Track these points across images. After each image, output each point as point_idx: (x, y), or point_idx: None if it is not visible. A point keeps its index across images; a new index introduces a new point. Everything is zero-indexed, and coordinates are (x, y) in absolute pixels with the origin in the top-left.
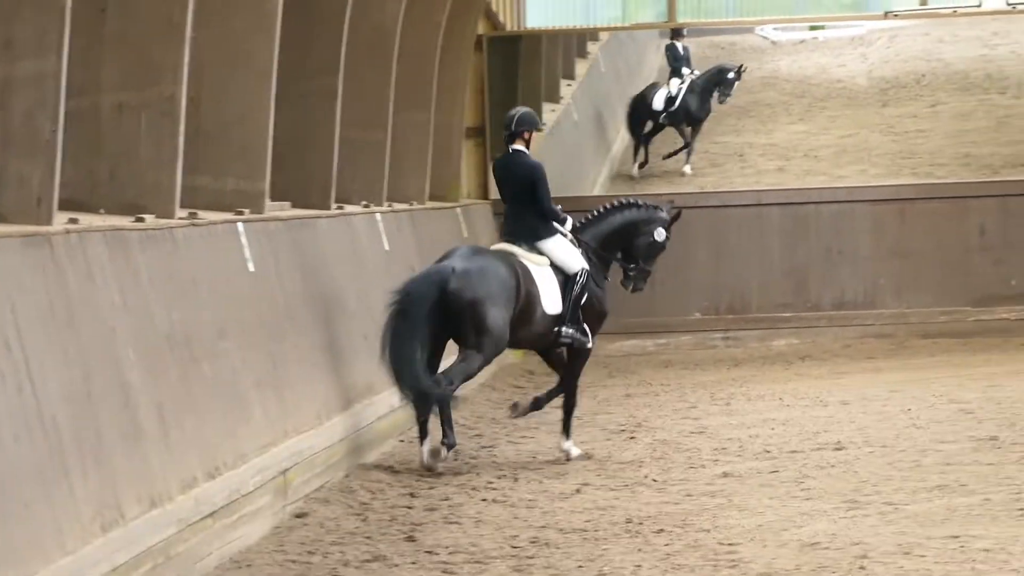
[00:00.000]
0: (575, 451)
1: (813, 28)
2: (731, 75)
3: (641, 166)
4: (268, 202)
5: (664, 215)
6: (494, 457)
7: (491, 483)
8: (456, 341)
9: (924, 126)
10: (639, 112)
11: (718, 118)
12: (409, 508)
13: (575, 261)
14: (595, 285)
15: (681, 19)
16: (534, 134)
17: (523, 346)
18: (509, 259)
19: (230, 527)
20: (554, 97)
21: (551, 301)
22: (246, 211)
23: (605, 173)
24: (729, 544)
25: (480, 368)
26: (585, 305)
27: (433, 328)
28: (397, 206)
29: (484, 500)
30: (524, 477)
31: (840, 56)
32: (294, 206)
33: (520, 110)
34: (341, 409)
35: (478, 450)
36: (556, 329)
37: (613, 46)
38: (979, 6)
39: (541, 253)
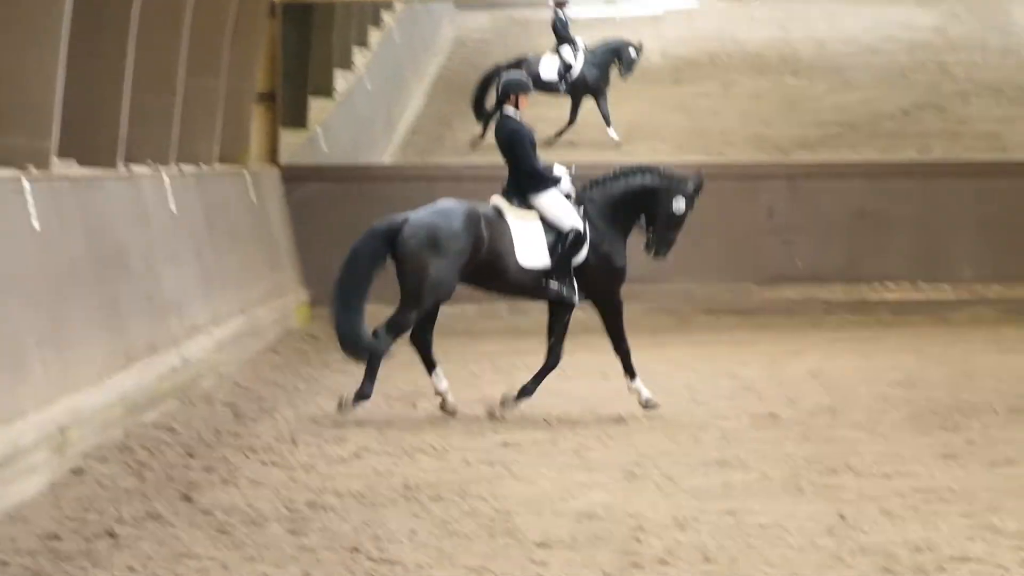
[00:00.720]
0: (644, 391)
1: (608, 3)
2: (633, 52)
3: (481, 138)
4: (55, 160)
5: (687, 187)
6: (274, 420)
7: (270, 445)
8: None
9: (717, 105)
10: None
11: None
12: (186, 468)
13: (567, 219)
14: (602, 245)
15: None
16: (523, 98)
17: (509, 294)
18: (477, 213)
19: (6, 482)
20: (347, 64)
21: (531, 255)
22: (31, 168)
23: (397, 142)
24: (506, 512)
25: (412, 319)
26: (589, 264)
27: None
28: (185, 169)
29: (262, 462)
30: (303, 440)
31: (636, 35)
32: (81, 165)
33: (509, 74)
34: (122, 368)
35: (258, 413)
36: (544, 282)
37: (408, 16)
38: None
39: (531, 208)
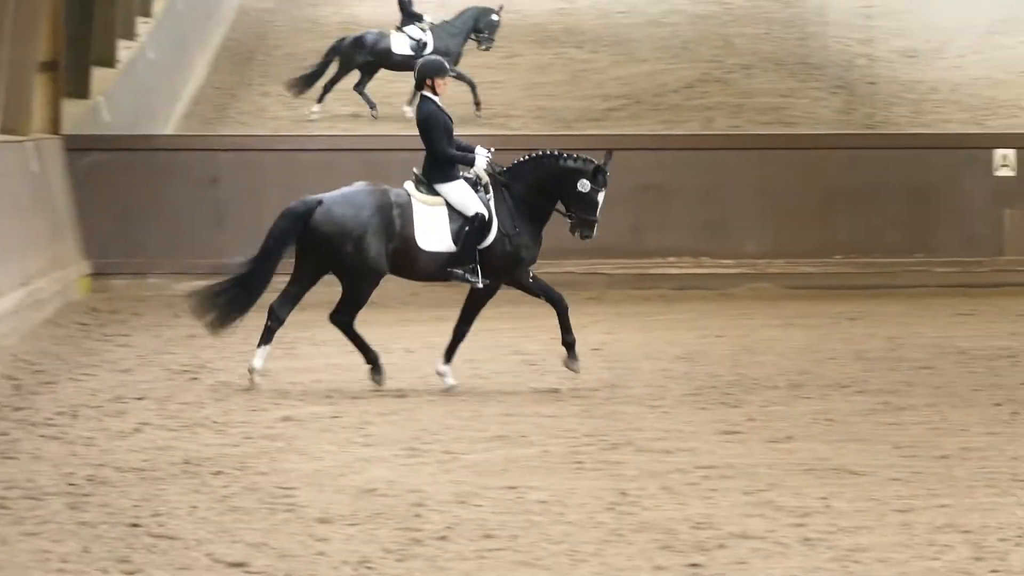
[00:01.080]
0: (451, 380)
1: None
2: (495, 17)
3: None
4: None
5: (586, 167)
6: (55, 393)
7: (50, 419)
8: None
9: (499, 77)
10: (352, 58)
11: (292, 61)
12: None
13: (471, 205)
14: (506, 228)
15: None
16: (439, 81)
17: (419, 279)
18: (387, 198)
19: None
20: (129, 34)
21: (435, 240)
22: None
23: (180, 112)
24: (286, 488)
25: (361, 298)
26: (492, 247)
27: (304, 260)
28: None
29: (42, 436)
30: (83, 415)
31: (417, 3)
32: None
33: (427, 59)
34: None
35: (39, 386)
36: (449, 268)
37: None
38: None
39: (438, 195)
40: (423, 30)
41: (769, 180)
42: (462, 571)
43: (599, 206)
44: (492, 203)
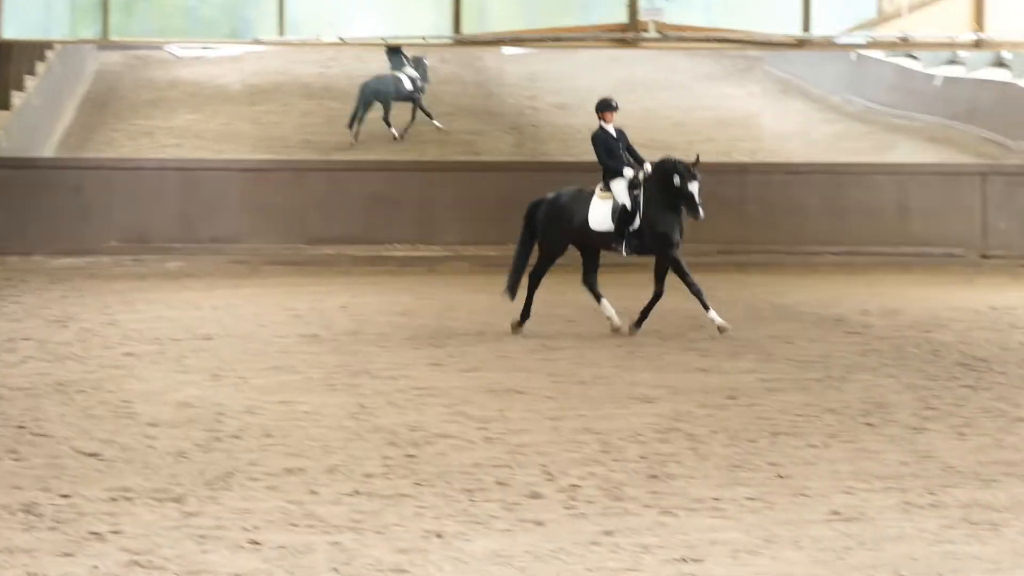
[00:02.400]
0: (718, 320)
1: (205, 48)
2: (427, 62)
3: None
4: None
5: (676, 166)
6: None
7: None
8: None
9: (279, 119)
10: (376, 95)
11: (135, 107)
12: None
13: (620, 197)
14: (648, 214)
15: (114, 36)
16: (608, 114)
17: (589, 248)
18: (580, 195)
19: None
20: (20, 87)
21: (598, 221)
22: None
23: (55, 141)
24: (128, 402)
25: (543, 267)
26: (640, 230)
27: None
28: None
29: None
30: None
31: (223, 68)
32: None
33: (601, 98)
34: None
35: None
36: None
37: (63, 53)
38: (318, 38)
39: (610, 191)
40: (412, 73)
41: (464, 192)
42: (249, 459)
43: (694, 194)
44: (641, 199)
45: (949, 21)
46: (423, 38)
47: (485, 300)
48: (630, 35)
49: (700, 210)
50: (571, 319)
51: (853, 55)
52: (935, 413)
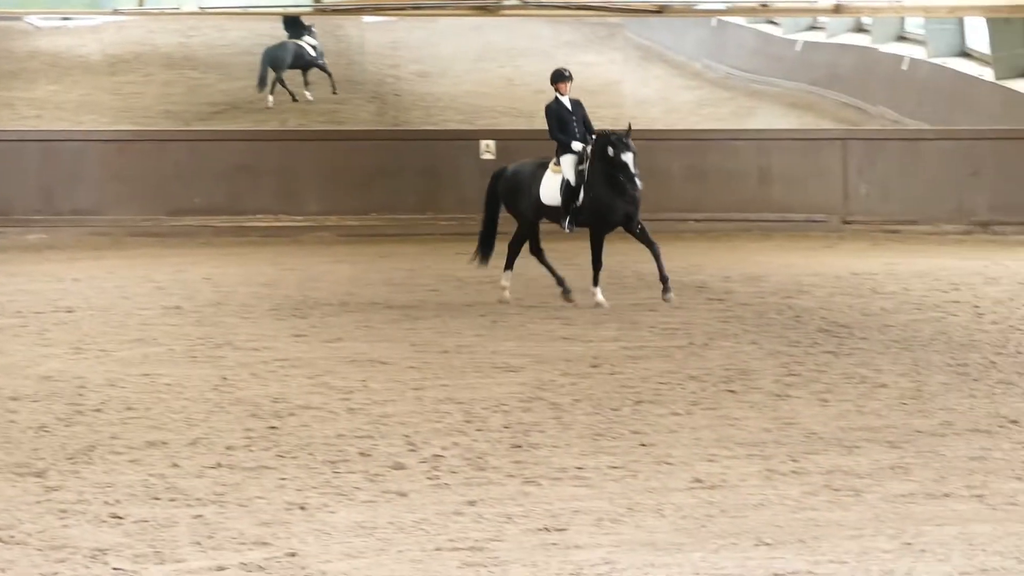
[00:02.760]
0: (599, 298)
1: (64, 18)
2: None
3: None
4: None
5: (609, 136)
6: None
7: None
8: None
9: (139, 90)
10: (283, 59)
11: None
12: None
13: (566, 172)
14: (590, 189)
15: None
16: (562, 84)
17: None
18: (536, 167)
19: None
20: None
21: (548, 196)
22: None
23: None
24: None
25: (519, 237)
26: (583, 205)
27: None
28: None
29: None
30: None
31: (83, 38)
32: None
33: (557, 68)
34: None
35: None
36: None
37: None
38: (177, 8)
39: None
40: (314, 39)
41: (326, 161)
42: (111, 433)
43: (628, 164)
44: (586, 174)
45: None
46: (284, 7)
47: (348, 270)
48: (491, 2)
49: (637, 181)
50: (434, 288)
51: (713, 21)
52: (797, 380)
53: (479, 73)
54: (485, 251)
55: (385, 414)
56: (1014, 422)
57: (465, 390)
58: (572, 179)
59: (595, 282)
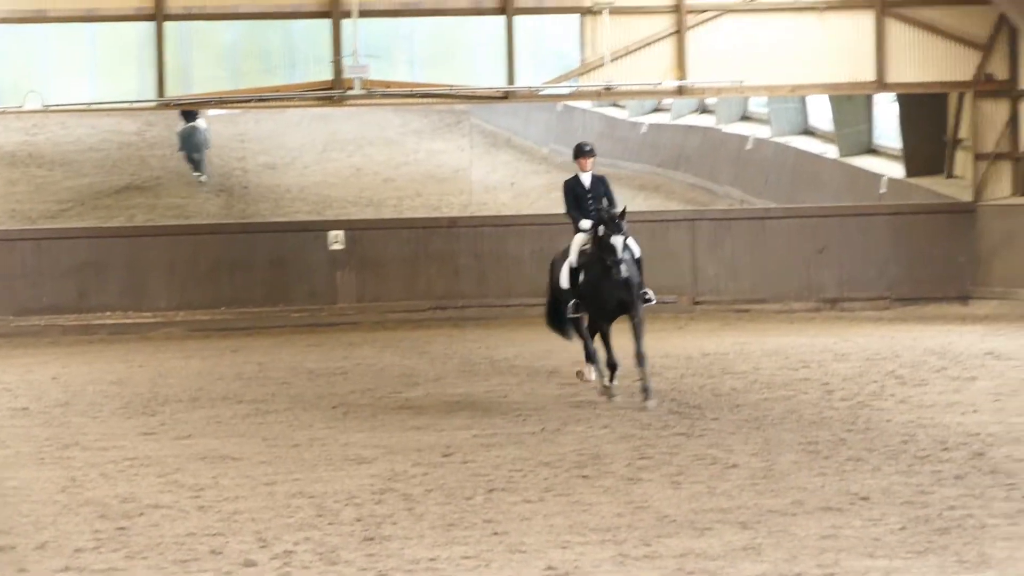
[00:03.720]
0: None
1: None
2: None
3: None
4: None
5: (603, 215)
6: None
7: None
8: None
9: None
10: (203, 141)
11: None
12: None
13: (571, 253)
14: (587, 272)
15: None
16: (583, 160)
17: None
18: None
19: None
20: None
21: (564, 279)
22: None
23: None
24: None
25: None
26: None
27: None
28: None
29: None
30: None
31: None
32: None
33: (580, 142)
34: None
35: None
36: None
37: None
38: (20, 107)
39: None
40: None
41: (174, 256)
42: None
43: (616, 248)
44: (590, 259)
45: (652, 69)
46: (129, 103)
47: (198, 365)
48: (336, 93)
49: (622, 267)
50: (285, 381)
51: (559, 106)
52: (649, 462)
53: (327, 163)
54: (562, 327)
55: (236, 510)
56: (864, 499)
57: (317, 483)
58: (574, 260)
59: (611, 379)
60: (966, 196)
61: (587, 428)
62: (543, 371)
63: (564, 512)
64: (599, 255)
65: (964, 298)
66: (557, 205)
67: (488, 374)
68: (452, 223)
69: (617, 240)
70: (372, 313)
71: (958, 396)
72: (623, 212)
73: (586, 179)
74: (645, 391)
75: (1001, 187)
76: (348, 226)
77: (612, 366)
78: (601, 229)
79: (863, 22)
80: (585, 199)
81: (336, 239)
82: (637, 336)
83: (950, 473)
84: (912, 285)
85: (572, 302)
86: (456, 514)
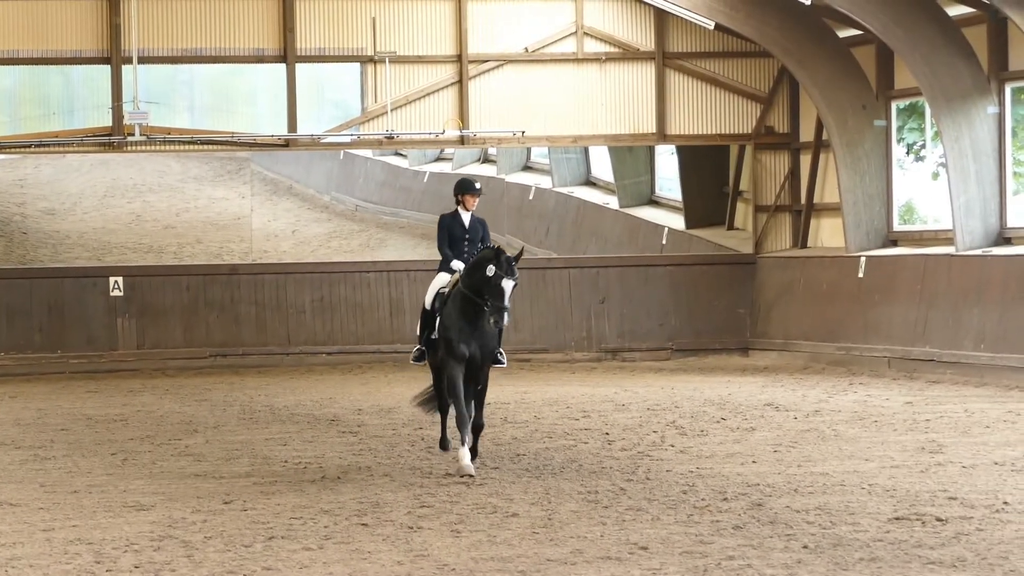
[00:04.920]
0: (465, 462)
1: None
2: None
3: None
4: None
5: (500, 255)
6: None
7: None
8: None
9: None
10: None
11: None
12: None
13: (428, 296)
14: (445, 320)
15: None
16: (467, 197)
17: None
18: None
19: None
20: None
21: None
22: None
23: None
24: None
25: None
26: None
27: None
28: None
29: None
30: None
31: None
32: None
33: (467, 179)
34: None
35: None
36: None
37: None
38: None
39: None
40: None
41: None
42: None
43: (505, 292)
44: (450, 303)
45: (434, 119)
46: None
47: None
48: (116, 139)
49: (505, 315)
50: (64, 427)
51: (341, 154)
52: (430, 511)
53: (107, 209)
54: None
55: (14, 556)
56: (644, 548)
57: (95, 530)
58: (428, 302)
59: (462, 441)
60: (747, 248)
61: (368, 476)
62: (324, 419)
63: (344, 560)
64: (472, 299)
65: (744, 349)
66: (337, 253)
67: (268, 421)
68: (233, 270)
69: (508, 285)
70: (152, 360)
71: (738, 447)
72: (520, 254)
73: (466, 218)
74: (472, 451)
75: (781, 239)
76: (127, 272)
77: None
78: (491, 269)
79: (644, 73)
80: (462, 239)
81: (116, 285)
82: (480, 403)
83: (729, 523)
84: (693, 336)
85: (416, 348)
86: (235, 561)
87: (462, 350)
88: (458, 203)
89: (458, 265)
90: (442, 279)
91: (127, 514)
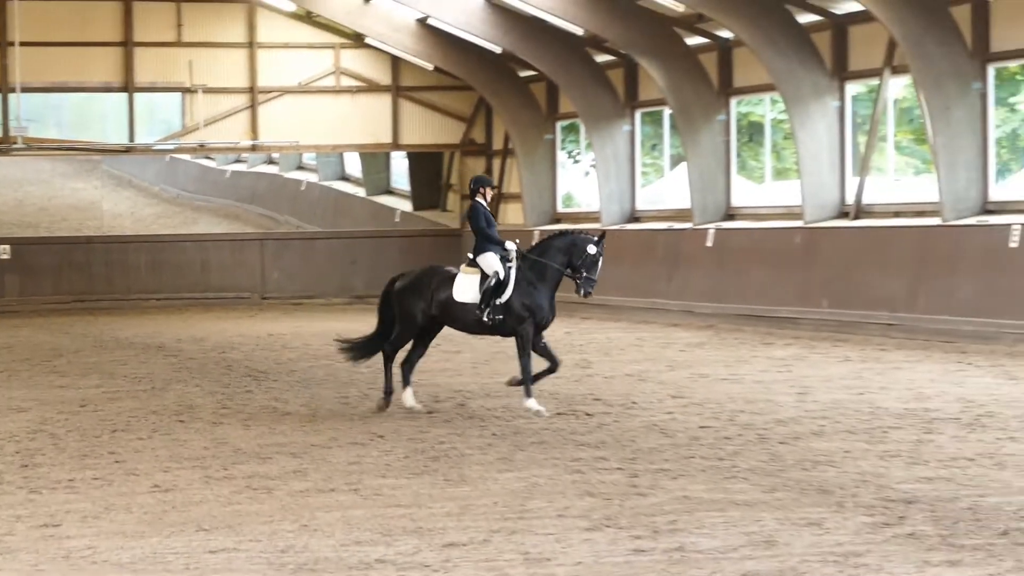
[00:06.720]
0: (535, 407)
1: None
2: None
3: None
4: None
5: (592, 237)
6: None
7: None
8: None
9: None
10: None
11: None
12: None
13: (494, 266)
14: (518, 288)
15: None
16: (487, 189)
17: (455, 326)
18: (436, 271)
19: None
20: None
21: (463, 293)
22: None
23: None
24: None
25: (399, 343)
26: (509, 300)
27: (387, 315)
28: None
29: None
30: None
31: None
32: None
33: (478, 175)
34: None
35: None
36: (476, 312)
37: None
38: None
39: (476, 265)
40: None
41: None
42: None
43: (598, 268)
44: (513, 272)
45: (234, 132)
46: None
47: None
48: (4, 147)
49: (592, 286)
50: None
51: (167, 157)
52: (228, 411)
53: None
54: (365, 353)
55: None
56: (381, 436)
57: None
58: (502, 272)
59: (528, 393)
60: (455, 224)
61: (184, 386)
62: (153, 345)
63: (166, 446)
64: (558, 270)
65: None
66: (164, 228)
67: (113, 348)
68: (88, 240)
69: (600, 261)
70: (30, 304)
71: (448, 364)
72: (604, 235)
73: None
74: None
75: None
76: (13, 242)
77: (534, 377)
78: (592, 248)
79: (384, 101)
80: (495, 224)
81: (3, 251)
82: (549, 348)
83: (441, 418)
84: None
85: (488, 310)
86: (88, 448)
87: (544, 316)
88: (477, 194)
89: (512, 245)
90: (495, 257)
91: (10, 415)
